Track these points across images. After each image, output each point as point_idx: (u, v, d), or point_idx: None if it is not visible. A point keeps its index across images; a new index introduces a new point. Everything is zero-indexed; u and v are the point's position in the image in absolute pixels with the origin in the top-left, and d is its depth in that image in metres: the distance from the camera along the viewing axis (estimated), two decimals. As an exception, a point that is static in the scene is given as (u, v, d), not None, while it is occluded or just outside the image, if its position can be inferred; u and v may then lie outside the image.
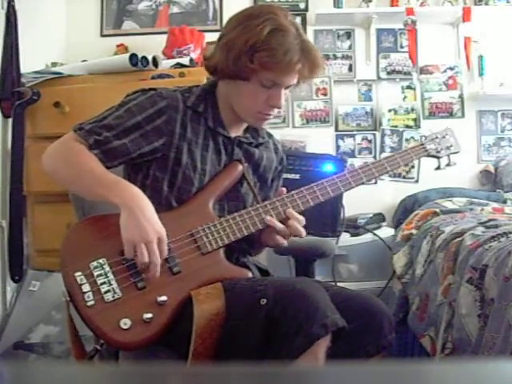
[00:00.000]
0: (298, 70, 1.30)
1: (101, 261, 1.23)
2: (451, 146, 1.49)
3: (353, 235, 2.62)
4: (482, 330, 1.51)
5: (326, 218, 2.46)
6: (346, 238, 2.56)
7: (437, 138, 1.48)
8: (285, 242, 1.37)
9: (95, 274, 1.22)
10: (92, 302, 1.19)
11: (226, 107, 1.40)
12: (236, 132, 1.44)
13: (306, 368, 0.74)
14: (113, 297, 1.20)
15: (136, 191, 1.24)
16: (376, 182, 3.12)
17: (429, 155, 1.47)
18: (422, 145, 1.47)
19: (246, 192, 1.44)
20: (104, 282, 1.21)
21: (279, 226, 1.33)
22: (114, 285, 1.21)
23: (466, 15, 2.99)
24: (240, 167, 1.41)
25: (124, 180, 1.29)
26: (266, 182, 1.52)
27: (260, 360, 1.13)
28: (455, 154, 1.50)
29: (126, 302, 1.21)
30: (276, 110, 1.37)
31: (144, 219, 1.20)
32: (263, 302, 1.15)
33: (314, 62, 1.32)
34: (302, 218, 1.35)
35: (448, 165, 1.49)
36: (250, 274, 1.33)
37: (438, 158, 1.48)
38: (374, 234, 2.62)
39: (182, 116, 1.35)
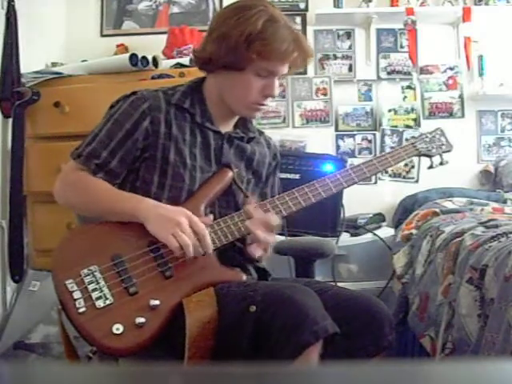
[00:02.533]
0: (292, 59, 1.34)
1: (92, 268, 1.22)
2: (442, 144, 1.50)
3: (353, 235, 2.62)
4: (481, 329, 1.50)
5: (326, 218, 2.46)
6: (345, 238, 2.56)
7: (427, 137, 1.49)
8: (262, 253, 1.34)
9: (86, 281, 1.21)
10: (83, 309, 1.17)
11: (214, 102, 1.41)
12: (226, 127, 1.44)
13: (306, 368, 0.74)
14: (104, 303, 1.18)
15: (142, 197, 1.29)
16: (376, 182, 3.12)
17: (420, 154, 1.48)
18: (413, 144, 1.47)
19: (237, 197, 1.43)
20: (95, 289, 1.20)
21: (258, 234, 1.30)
22: (106, 291, 1.20)
23: (466, 15, 2.99)
24: (230, 173, 1.40)
25: (132, 193, 1.32)
26: (261, 177, 1.51)
27: None
28: (448, 153, 1.51)
29: (117, 307, 1.19)
30: (269, 100, 1.39)
31: (164, 211, 1.24)
32: (252, 309, 1.14)
33: (306, 51, 1.36)
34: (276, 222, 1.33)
35: (441, 163, 1.50)
36: (244, 277, 1.30)
37: (430, 156, 1.49)
38: (374, 234, 2.62)
39: (165, 115, 1.35)
